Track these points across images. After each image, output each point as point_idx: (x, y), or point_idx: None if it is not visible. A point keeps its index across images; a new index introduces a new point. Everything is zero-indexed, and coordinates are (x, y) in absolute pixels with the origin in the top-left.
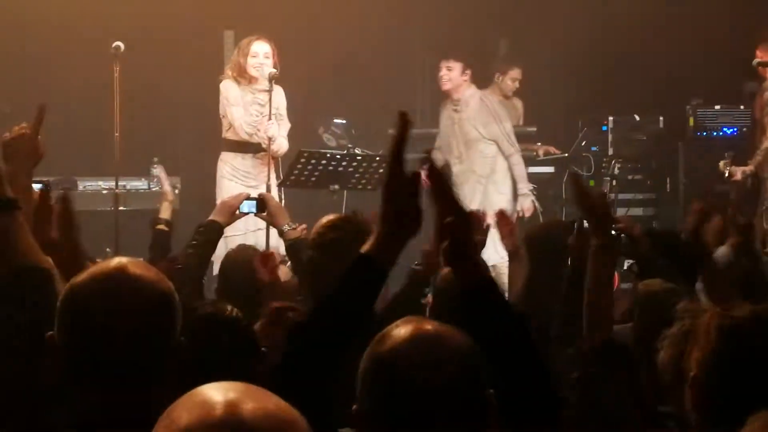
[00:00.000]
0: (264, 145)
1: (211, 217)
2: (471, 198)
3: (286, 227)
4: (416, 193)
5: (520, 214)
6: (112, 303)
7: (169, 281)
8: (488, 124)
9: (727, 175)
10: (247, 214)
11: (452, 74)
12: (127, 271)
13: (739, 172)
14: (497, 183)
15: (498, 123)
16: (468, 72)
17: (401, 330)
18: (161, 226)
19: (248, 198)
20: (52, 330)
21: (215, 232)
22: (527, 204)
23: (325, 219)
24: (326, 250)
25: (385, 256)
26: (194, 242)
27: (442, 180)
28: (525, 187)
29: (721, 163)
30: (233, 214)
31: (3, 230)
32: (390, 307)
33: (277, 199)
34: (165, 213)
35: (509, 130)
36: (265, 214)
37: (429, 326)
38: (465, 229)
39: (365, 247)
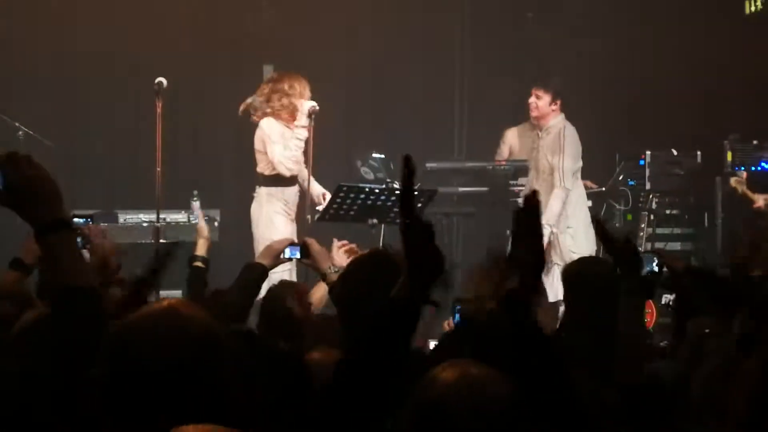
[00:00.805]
0: (301, 180)
1: (256, 260)
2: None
3: (328, 271)
4: (431, 235)
5: None
6: (161, 341)
7: (216, 320)
8: (554, 153)
9: (739, 192)
10: (290, 259)
11: (540, 103)
12: (176, 312)
13: (761, 200)
14: (566, 218)
15: (560, 154)
16: (558, 102)
17: (447, 374)
18: (198, 264)
19: (292, 243)
20: (93, 353)
21: (260, 274)
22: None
23: (357, 254)
24: (354, 284)
25: (413, 297)
26: (240, 283)
27: (534, 216)
28: (547, 220)
29: (733, 180)
30: (278, 257)
31: (53, 249)
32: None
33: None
34: (201, 250)
35: (567, 167)
36: (308, 259)
37: (475, 370)
38: (537, 273)
39: (395, 290)
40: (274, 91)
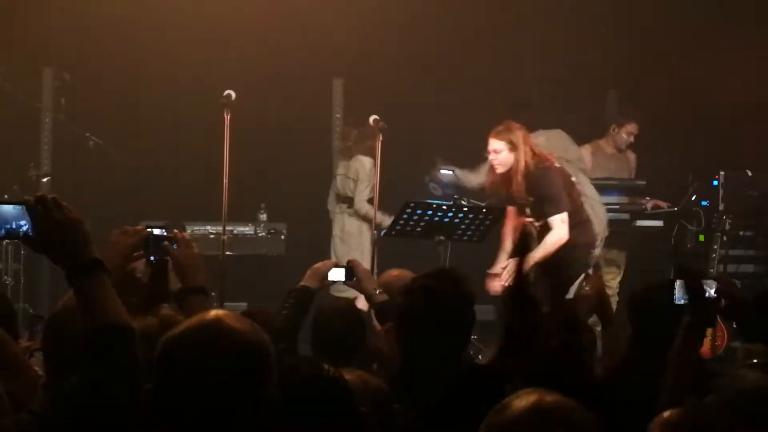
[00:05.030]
0: None
1: (302, 283)
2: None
3: (374, 292)
4: (535, 309)
5: None
6: (207, 354)
7: (264, 333)
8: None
9: None
10: (336, 282)
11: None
12: (222, 323)
13: None
14: None
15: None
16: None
17: (522, 401)
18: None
19: (337, 265)
20: (130, 387)
21: (308, 296)
22: None
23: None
24: (416, 296)
25: (501, 369)
26: (287, 305)
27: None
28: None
29: None
30: (324, 279)
31: (86, 290)
32: None
33: None
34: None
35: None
36: (353, 281)
37: (550, 398)
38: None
39: (484, 360)
40: None
